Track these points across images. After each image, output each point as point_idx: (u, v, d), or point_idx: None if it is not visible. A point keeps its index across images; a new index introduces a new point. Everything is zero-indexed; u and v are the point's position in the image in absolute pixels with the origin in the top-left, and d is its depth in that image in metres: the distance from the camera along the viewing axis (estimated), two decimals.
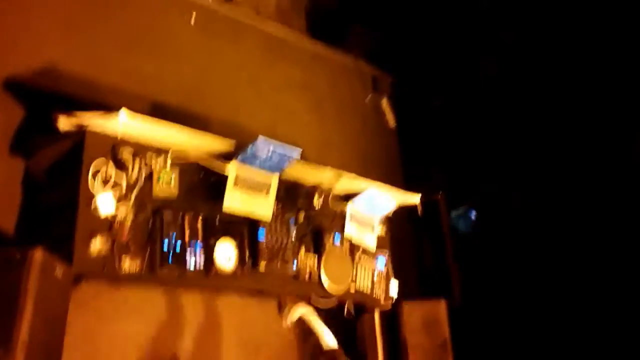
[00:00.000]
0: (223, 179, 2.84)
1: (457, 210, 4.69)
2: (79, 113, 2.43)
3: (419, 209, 3.74)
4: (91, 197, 2.43)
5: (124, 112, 2.37)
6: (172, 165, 2.69)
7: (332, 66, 4.82)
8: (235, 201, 2.88)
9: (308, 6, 4.95)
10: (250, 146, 2.79)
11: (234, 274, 2.81)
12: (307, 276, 3.17)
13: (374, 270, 3.56)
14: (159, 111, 3.23)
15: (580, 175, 4.06)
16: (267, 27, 4.39)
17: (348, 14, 5.05)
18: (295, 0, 4.88)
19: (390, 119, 5.13)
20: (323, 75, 4.71)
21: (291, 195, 3.22)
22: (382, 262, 3.63)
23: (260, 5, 4.52)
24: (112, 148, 2.53)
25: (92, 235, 2.37)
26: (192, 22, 3.77)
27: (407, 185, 4.02)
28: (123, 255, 2.46)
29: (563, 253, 4.07)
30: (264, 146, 2.82)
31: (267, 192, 3.02)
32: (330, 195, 3.42)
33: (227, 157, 2.87)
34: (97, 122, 2.44)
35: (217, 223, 2.81)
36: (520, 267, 4.26)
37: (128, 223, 2.50)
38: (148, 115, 2.54)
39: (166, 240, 2.58)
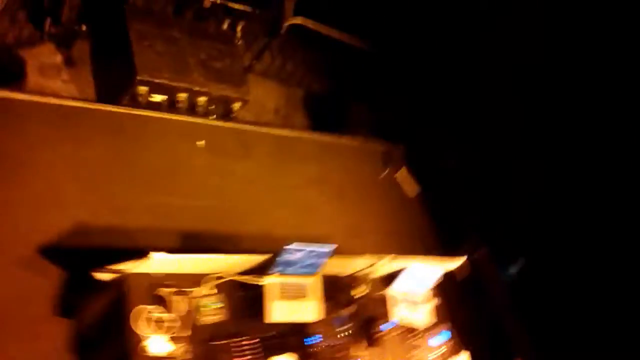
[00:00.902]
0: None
1: (514, 265, 4.58)
2: (114, 266, 2.49)
3: (465, 270, 3.64)
4: (141, 340, 2.42)
5: (154, 255, 2.42)
6: (214, 290, 2.70)
7: (342, 152, 4.92)
8: (280, 312, 2.84)
9: (304, 100, 5.15)
10: (282, 255, 2.80)
11: None
12: None
13: (434, 349, 3.41)
14: (190, 240, 3.29)
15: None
16: (272, 132, 4.56)
17: (343, 96, 5.22)
18: (291, 99, 5.09)
19: (410, 188, 5.13)
20: (336, 163, 4.79)
21: (334, 291, 3.17)
22: (443, 337, 3.48)
23: (260, 114, 4.73)
24: (153, 288, 2.56)
25: None
26: (201, 143, 3.92)
27: (445, 250, 3.96)
28: None
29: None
30: (296, 252, 2.82)
31: (310, 295, 2.99)
32: (371, 282, 3.36)
33: (263, 269, 2.87)
34: (132, 267, 2.48)
35: (272, 340, 2.76)
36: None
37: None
38: (179, 248, 2.59)
39: None
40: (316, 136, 4.85)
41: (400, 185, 5.10)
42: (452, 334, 3.50)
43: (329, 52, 4.96)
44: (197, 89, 3.87)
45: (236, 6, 4.25)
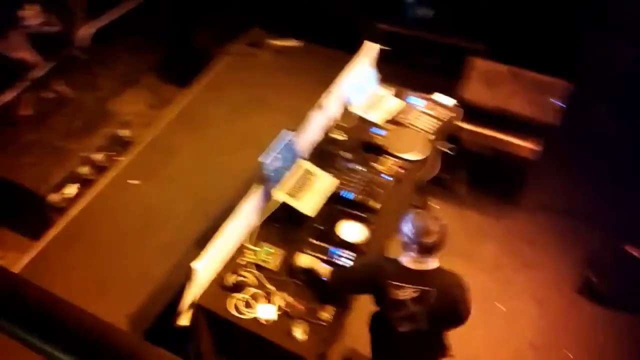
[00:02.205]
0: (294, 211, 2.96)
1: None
2: None
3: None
4: None
5: None
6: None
7: None
8: (310, 203, 2.99)
9: None
10: (265, 169, 2.89)
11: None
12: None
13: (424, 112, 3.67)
14: None
15: None
16: None
17: None
18: None
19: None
20: None
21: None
22: (417, 100, 3.73)
23: None
24: None
25: None
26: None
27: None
28: None
29: None
30: (273, 161, 2.92)
31: (314, 175, 3.14)
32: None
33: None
34: None
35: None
36: None
37: None
38: None
39: None
40: None
41: None
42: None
43: None
44: None
45: None
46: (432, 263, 2.32)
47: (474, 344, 3.23)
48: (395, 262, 2.35)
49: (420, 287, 2.29)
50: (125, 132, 4.46)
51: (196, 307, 2.60)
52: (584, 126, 4.33)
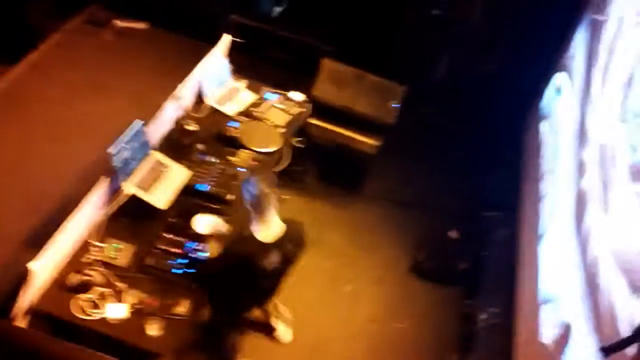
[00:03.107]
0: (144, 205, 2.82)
1: None
2: None
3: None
4: None
5: None
6: None
7: None
8: (162, 196, 2.90)
9: None
10: (115, 161, 2.73)
11: None
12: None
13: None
14: None
15: None
16: None
17: None
18: None
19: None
20: None
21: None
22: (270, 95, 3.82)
23: None
24: None
25: None
26: None
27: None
28: None
29: None
30: (122, 150, 2.77)
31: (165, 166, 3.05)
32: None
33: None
34: None
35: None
36: None
37: None
38: None
39: None
40: None
41: None
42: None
43: None
44: None
45: None
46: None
47: (322, 324, 3.48)
48: None
49: None
50: None
51: (34, 311, 2.37)
52: (416, 124, 4.82)
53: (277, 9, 5.03)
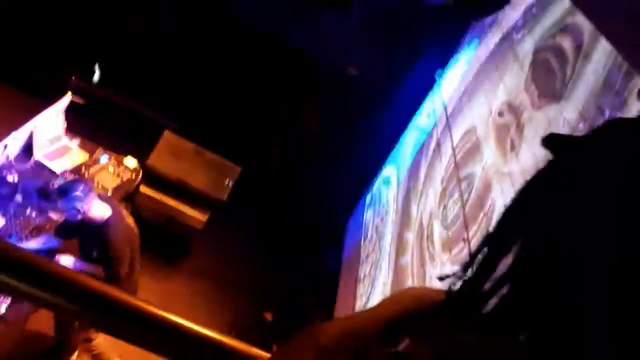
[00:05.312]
0: None
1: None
2: None
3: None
4: None
5: None
6: None
7: None
8: None
9: None
10: None
11: None
12: None
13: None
14: None
15: None
16: None
17: None
18: None
19: None
20: None
21: None
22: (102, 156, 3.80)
23: None
24: None
25: None
26: None
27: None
28: None
29: None
30: None
31: None
32: None
33: None
34: None
35: None
36: None
37: None
38: None
39: None
40: None
41: None
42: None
43: None
44: None
45: None
46: None
47: None
48: None
49: None
50: None
51: None
52: (247, 206, 5.07)
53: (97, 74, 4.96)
